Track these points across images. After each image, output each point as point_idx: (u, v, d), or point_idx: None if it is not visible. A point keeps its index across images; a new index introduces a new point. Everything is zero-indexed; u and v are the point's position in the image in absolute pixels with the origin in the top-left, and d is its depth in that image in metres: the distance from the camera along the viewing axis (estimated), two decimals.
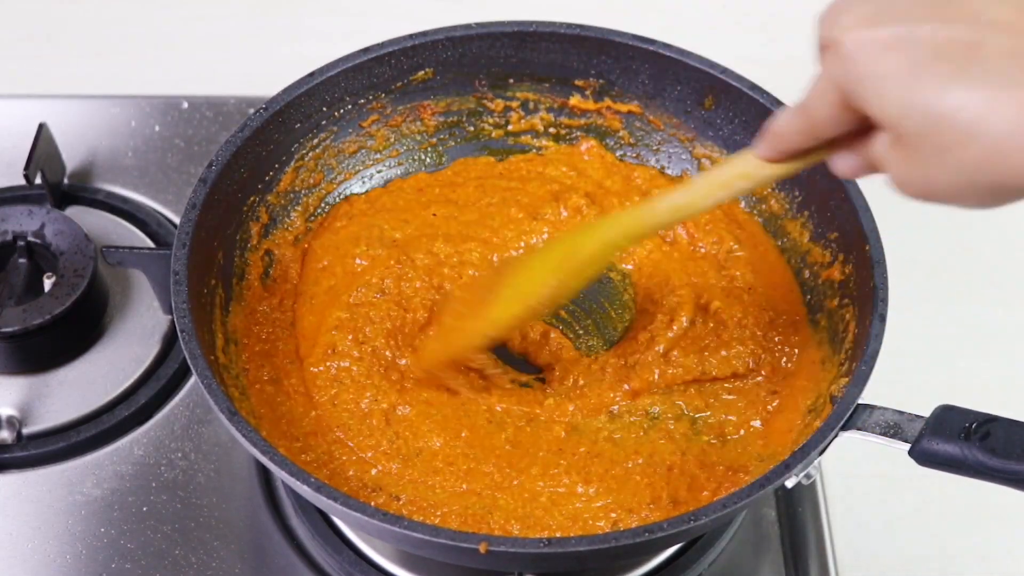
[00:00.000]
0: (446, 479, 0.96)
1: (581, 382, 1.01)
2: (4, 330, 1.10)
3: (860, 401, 0.89)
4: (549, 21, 1.11)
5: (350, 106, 1.12)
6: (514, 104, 1.17)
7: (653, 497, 0.94)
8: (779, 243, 1.10)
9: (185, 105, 1.34)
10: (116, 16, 1.53)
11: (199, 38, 1.51)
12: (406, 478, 0.96)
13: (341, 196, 1.14)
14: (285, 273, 1.09)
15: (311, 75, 1.08)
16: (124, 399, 1.13)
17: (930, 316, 1.28)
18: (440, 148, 1.18)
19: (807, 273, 1.07)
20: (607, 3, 1.52)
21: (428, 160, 1.18)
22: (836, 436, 0.88)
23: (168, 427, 1.13)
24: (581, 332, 1.07)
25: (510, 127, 1.18)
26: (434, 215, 1.11)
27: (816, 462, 0.88)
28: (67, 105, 1.34)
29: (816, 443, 0.87)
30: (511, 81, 1.15)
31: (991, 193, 0.67)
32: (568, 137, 1.18)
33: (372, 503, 0.93)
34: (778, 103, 1.06)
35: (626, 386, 1.01)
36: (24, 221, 1.17)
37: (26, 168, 1.19)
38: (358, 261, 1.07)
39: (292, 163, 1.10)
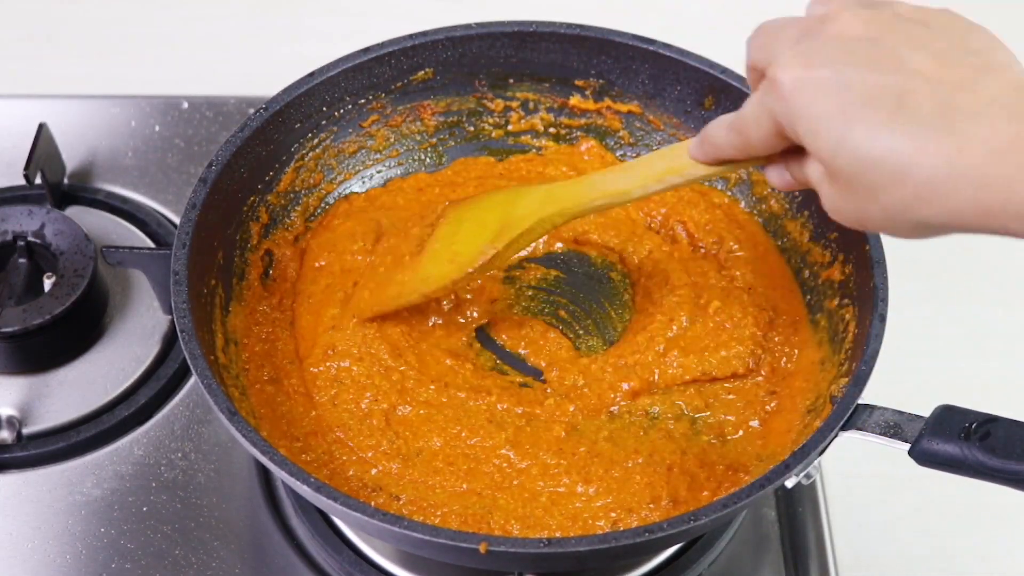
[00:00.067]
0: (446, 479, 0.96)
1: (581, 382, 1.01)
2: (4, 330, 1.10)
3: (860, 401, 0.89)
4: (549, 21, 1.11)
5: (350, 106, 1.12)
6: (514, 104, 1.17)
7: (653, 497, 0.94)
8: (779, 243, 1.10)
9: (185, 105, 1.34)
10: (116, 16, 1.53)
11: (199, 38, 1.51)
12: (406, 478, 0.96)
13: (341, 196, 1.14)
14: (285, 273, 1.09)
15: (311, 75, 1.08)
16: (124, 399, 1.13)
17: (930, 316, 1.28)
18: (440, 148, 1.18)
19: (807, 273, 1.07)
20: (607, 3, 1.52)
21: (428, 160, 1.18)
22: (836, 436, 0.88)
23: (168, 427, 1.13)
24: (581, 332, 1.07)
25: (510, 127, 1.18)
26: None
27: (816, 462, 0.88)
28: (67, 105, 1.34)
29: (816, 443, 0.87)
30: (511, 81, 1.15)
31: (916, 229, 0.71)
32: (568, 137, 1.18)
33: (372, 503, 0.93)
34: None
35: (626, 386, 1.01)
36: (24, 221, 1.17)
37: (26, 168, 1.19)
38: (359, 258, 1.07)
39: (292, 163, 1.11)
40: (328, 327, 1.03)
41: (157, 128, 1.33)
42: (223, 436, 1.11)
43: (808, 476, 0.88)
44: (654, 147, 1.16)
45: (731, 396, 1.01)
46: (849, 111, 0.69)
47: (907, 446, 0.86)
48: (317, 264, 1.09)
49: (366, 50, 1.10)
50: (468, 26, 1.11)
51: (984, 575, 1.13)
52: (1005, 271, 1.32)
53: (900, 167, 0.67)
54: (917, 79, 0.68)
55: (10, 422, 1.11)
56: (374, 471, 0.96)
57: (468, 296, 1.06)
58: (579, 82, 1.15)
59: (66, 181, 1.27)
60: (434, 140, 1.17)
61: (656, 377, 1.01)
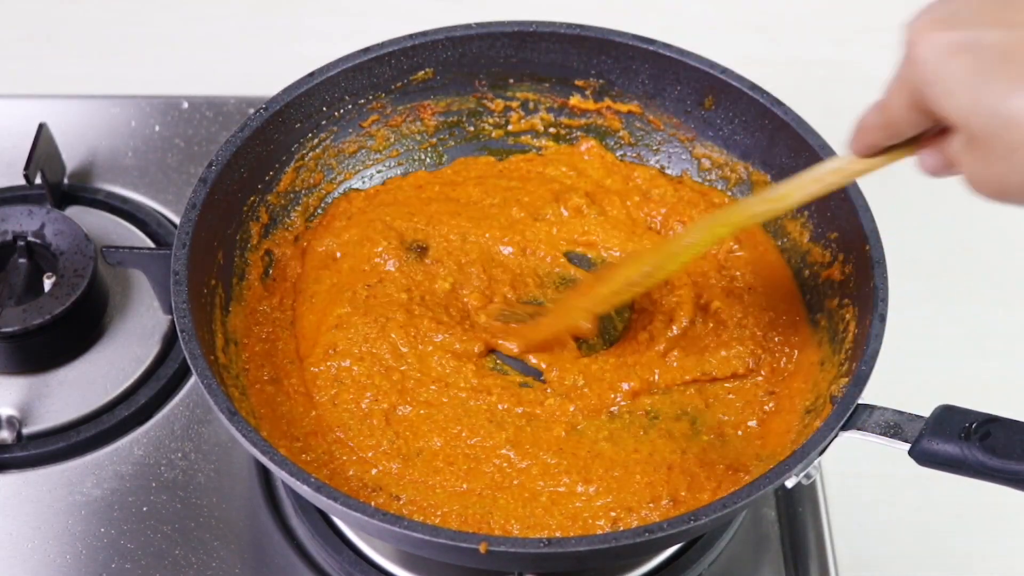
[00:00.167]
0: (446, 479, 0.96)
1: (581, 382, 1.01)
2: (4, 330, 1.10)
3: (860, 401, 0.89)
4: (549, 21, 1.11)
5: (350, 106, 1.12)
6: (514, 104, 1.17)
7: (653, 496, 0.94)
8: (779, 243, 1.10)
9: (185, 105, 1.34)
10: (116, 16, 1.53)
11: (199, 38, 1.51)
12: (406, 478, 0.96)
13: (341, 195, 1.14)
14: (285, 273, 1.09)
15: (311, 75, 1.08)
16: (124, 399, 1.13)
17: (930, 316, 1.28)
18: (440, 148, 1.18)
19: (807, 273, 1.07)
20: (607, 3, 1.52)
21: (428, 160, 1.18)
22: (836, 436, 0.88)
23: (168, 427, 1.13)
24: None
25: (510, 127, 1.18)
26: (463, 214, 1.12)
27: (816, 462, 0.88)
28: (67, 105, 1.34)
29: (816, 443, 0.87)
30: (511, 81, 1.15)
31: None
32: (568, 137, 1.18)
33: (372, 503, 0.93)
34: (778, 103, 1.06)
35: (626, 386, 1.01)
36: (24, 221, 1.17)
37: (26, 168, 1.19)
38: (368, 261, 1.07)
39: (292, 163, 1.11)
40: (331, 326, 1.03)
41: (157, 128, 1.33)
42: (223, 436, 1.11)
43: (808, 476, 0.89)
44: (654, 147, 1.16)
45: (731, 396, 1.01)
46: (984, 70, 0.68)
47: (907, 446, 0.86)
48: (319, 264, 1.09)
49: (366, 50, 1.10)
50: (468, 26, 1.11)
51: (984, 575, 1.13)
52: (1005, 271, 1.32)
53: None
54: None
55: (10, 422, 1.11)
56: (374, 471, 0.96)
57: (472, 300, 1.07)
58: (579, 82, 1.15)
59: (66, 181, 1.27)
60: (434, 140, 1.17)
61: (656, 377, 1.01)
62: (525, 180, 1.15)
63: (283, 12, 1.56)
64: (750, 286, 1.07)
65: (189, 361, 0.91)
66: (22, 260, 1.16)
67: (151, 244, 1.22)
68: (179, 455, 1.11)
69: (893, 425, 0.88)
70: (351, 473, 0.96)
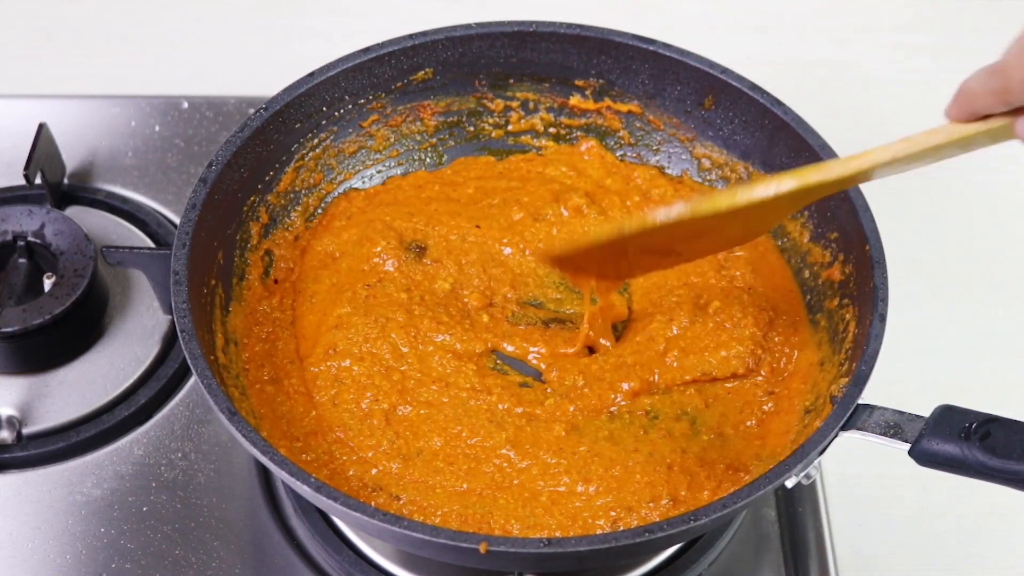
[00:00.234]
0: (446, 479, 0.96)
1: (581, 382, 1.01)
2: (4, 330, 1.10)
3: (860, 401, 0.89)
4: (549, 21, 1.11)
5: (350, 106, 1.12)
6: (514, 104, 1.17)
7: (653, 496, 0.94)
8: (779, 243, 1.10)
9: (185, 105, 1.34)
10: (116, 16, 1.53)
11: (199, 38, 1.51)
12: (406, 478, 0.96)
13: (340, 194, 1.14)
14: (285, 273, 1.09)
15: (311, 75, 1.08)
16: (124, 399, 1.13)
17: (930, 316, 1.28)
18: (440, 148, 1.18)
19: (807, 273, 1.07)
20: (607, 3, 1.52)
21: (428, 160, 1.18)
22: (836, 436, 0.88)
23: (168, 427, 1.13)
24: None
25: (510, 127, 1.18)
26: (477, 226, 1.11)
27: (816, 462, 0.88)
28: (67, 105, 1.34)
29: (816, 443, 0.87)
30: (511, 81, 1.15)
31: None
32: (568, 137, 1.18)
33: (372, 503, 0.93)
34: (778, 103, 1.06)
35: (626, 386, 1.01)
36: (24, 221, 1.17)
37: (26, 168, 1.19)
38: (367, 260, 1.08)
39: (292, 163, 1.11)
40: (331, 326, 1.03)
41: (157, 128, 1.33)
42: (223, 436, 1.11)
43: (808, 476, 0.89)
44: (654, 147, 1.16)
45: (731, 396, 1.01)
46: None
47: (907, 446, 0.86)
48: (319, 264, 1.09)
49: (366, 50, 1.10)
50: (468, 26, 1.11)
51: (984, 575, 1.13)
52: (1005, 271, 1.32)
53: None
54: None
55: (10, 422, 1.11)
56: (374, 471, 0.96)
57: (475, 301, 1.07)
58: (579, 82, 1.15)
59: (66, 181, 1.27)
60: (434, 140, 1.17)
61: (656, 377, 1.01)
62: (525, 180, 1.15)
63: (283, 12, 1.56)
64: (750, 286, 1.07)
65: (189, 361, 0.91)
66: (22, 260, 1.16)
67: (151, 244, 1.22)
68: (179, 455, 1.11)
69: (893, 425, 0.88)
70: (351, 473, 0.96)
